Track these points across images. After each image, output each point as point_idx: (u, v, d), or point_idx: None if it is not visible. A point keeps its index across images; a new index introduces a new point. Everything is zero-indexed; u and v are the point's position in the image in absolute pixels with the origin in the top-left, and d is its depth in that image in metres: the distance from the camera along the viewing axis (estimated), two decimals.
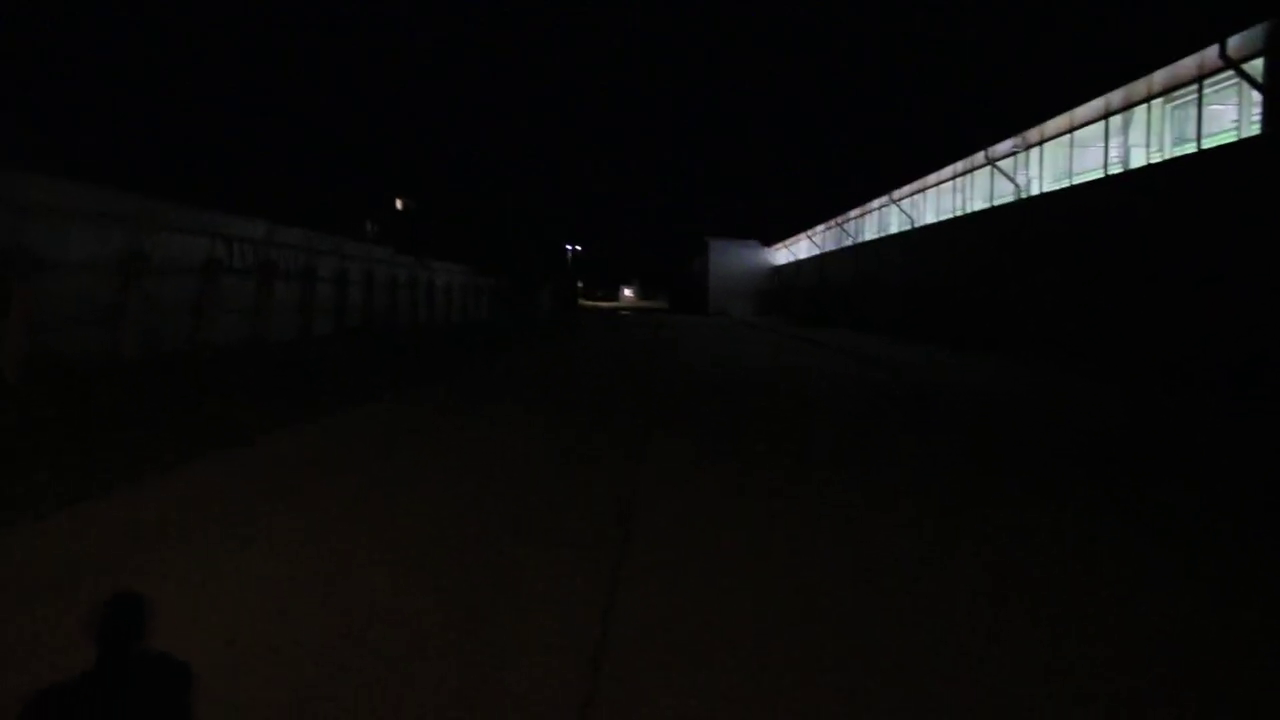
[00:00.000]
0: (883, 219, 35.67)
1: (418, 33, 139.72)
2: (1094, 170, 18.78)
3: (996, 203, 23.11)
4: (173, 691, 1.69)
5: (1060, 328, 18.31)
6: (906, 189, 30.81)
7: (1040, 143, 20.65)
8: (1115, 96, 16.89)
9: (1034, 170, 21.37)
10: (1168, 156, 15.78)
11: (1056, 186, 20.03)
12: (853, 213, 39.81)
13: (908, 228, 31.21)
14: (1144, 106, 16.51)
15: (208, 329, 15.34)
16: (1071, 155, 19.40)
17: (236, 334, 16.58)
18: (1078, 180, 18.99)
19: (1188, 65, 14.43)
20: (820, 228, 47.36)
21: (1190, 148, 14.95)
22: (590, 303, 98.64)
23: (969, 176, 25.64)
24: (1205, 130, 14.67)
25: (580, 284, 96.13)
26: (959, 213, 26.22)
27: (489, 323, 37.22)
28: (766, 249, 65.93)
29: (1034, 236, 19.90)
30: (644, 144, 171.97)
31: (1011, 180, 21.94)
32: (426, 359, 16.60)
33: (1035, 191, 21.09)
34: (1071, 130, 19.17)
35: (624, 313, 67.18)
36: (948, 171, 26.59)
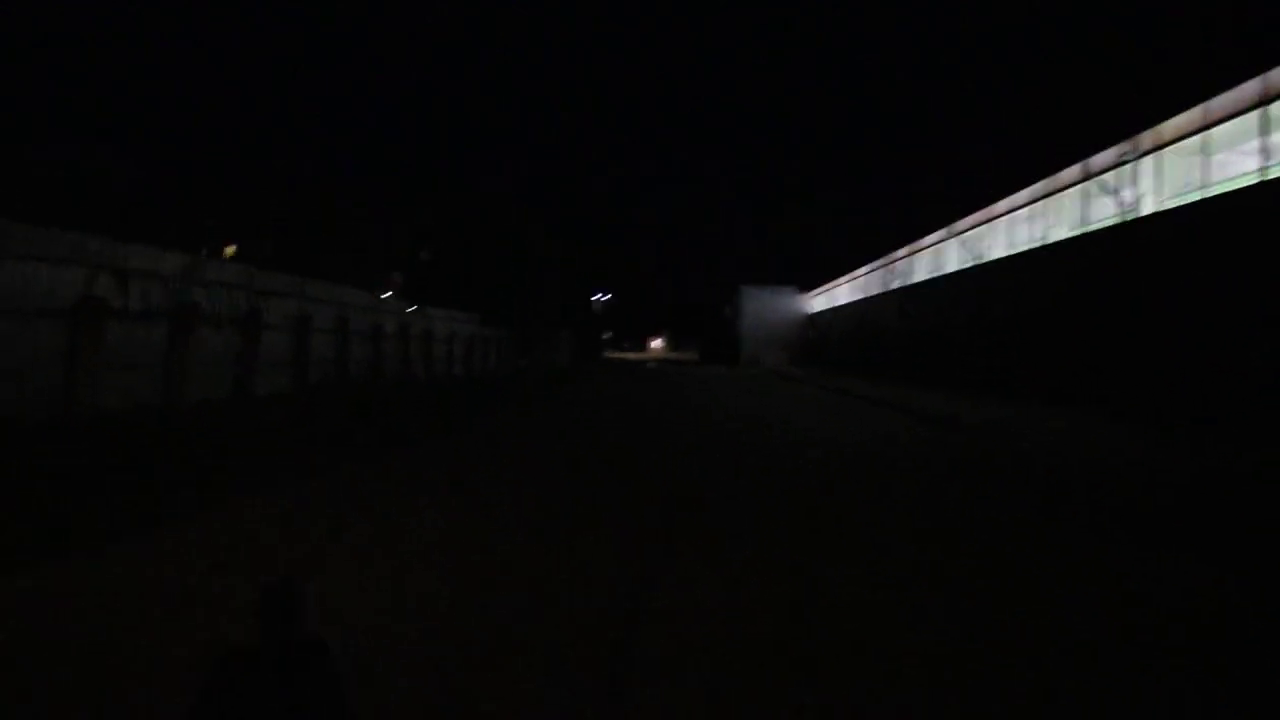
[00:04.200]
0: (938, 258, 31.40)
1: (445, 81, 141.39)
2: (1237, 180, 14.48)
3: (1091, 228, 18.77)
4: (325, 664, 1.90)
5: (1200, 379, 13.75)
6: (969, 220, 26.64)
7: (1157, 148, 16.43)
8: (1277, 75, 12.76)
9: (1145, 185, 17.09)
10: None
11: (1180, 202, 15.71)
12: (900, 252, 35.66)
13: (969, 264, 26.88)
14: None
15: (84, 389, 11.74)
16: (1205, 161, 15.12)
17: (136, 395, 12.96)
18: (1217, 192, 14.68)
19: None
20: (862, 270, 43.21)
21: None
22: (617, 354, 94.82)
23: (1051, 200, 21.41)
24: None
25: (609, 334, 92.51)
26: (1036, 244, 21.91)
27: (491, 377, 33.51)
28: (802, 296, 61.79)
29: (1150, 265, 15.51)
30: (675, 191, 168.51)
31: (1115, 197, 17.66)
32: (357, 434, 12.70)
33: (1146, 211, 16.78)
34: (1205, 128, 14.96)
35: (649, 365, 63.01)
36: (1023, 196, 22.40)
